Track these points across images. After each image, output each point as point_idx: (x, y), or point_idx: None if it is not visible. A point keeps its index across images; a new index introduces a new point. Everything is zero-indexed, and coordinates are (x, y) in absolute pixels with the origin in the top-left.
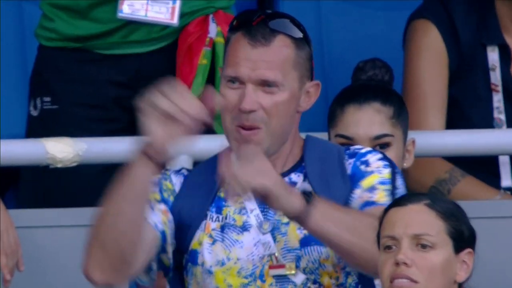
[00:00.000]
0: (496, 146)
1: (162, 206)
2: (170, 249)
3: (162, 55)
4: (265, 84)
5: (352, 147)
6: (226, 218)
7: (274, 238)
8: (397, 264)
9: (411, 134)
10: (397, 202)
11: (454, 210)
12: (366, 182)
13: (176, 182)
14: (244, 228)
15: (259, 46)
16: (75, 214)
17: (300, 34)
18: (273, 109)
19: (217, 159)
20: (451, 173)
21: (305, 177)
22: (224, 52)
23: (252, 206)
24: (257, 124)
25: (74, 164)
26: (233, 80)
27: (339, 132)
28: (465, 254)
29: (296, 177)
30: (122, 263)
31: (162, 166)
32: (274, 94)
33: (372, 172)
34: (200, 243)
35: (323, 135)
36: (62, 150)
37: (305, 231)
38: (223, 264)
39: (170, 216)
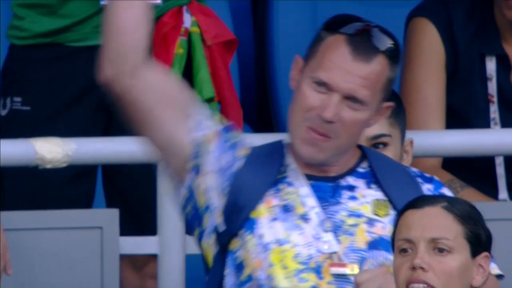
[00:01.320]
0: (494, 146)
1: (217, 130)
2: (209, 177)
3: None
4: (352, 99)
5: (415, 169)
6: (287, 200)
7: (337, 237)
8: (413, 268)
9: (409, 134)
10: (413, 204)
11: (471, 212)
12: None
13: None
14: (304, 218)
15: (360, 61)
16: (64, 217)
17: (397, 55)
18: (351, 125)
19: (277, 146)
20: (451, 184)
21: (369, 184)
22: (313, 48)
23: (312, 203)
24: (329, 134)
25: (64, 165)
26: (321, 84)
27: None
28: (482, 258)
29: (353, 180)
30: (126, 53)
31: None
32: (357, 111)
33: None
34: (260, 215)
35: None
36: (51, 150)
37: (374, 235)
38: (281, 244)
39: (220, 147)
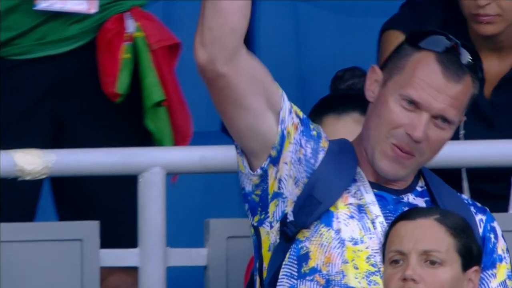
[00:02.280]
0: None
1: (297, 122)
2: (285, 169)
3: (81, 55)
4: (440, 118)
5: (467, 197)
6: (361, 200)
7: None
8: (404, 279)
9: None
10: (405, 215)
11: (464, 226)
12: (499, 274)
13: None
14: (373, 223)
15: (451, 81)
16: (43, 229)
17: (479, 71)
18: (436, 145)
19: (347, 145)
20: None
21: (427, 204)
22: (398, 62)
23: (377, 211)
24: (414, 153)
25: (44, 177)
26: (411, 102)
27: None
28: (472, 272)
29: (413, 199)
30: (226, 35)
31: None
32: (443, 130)
33: (502, 259)
34: (339, 210)
35: None
36: (31, 162)
37: None
38: (356, 243)
39: (299, 139)
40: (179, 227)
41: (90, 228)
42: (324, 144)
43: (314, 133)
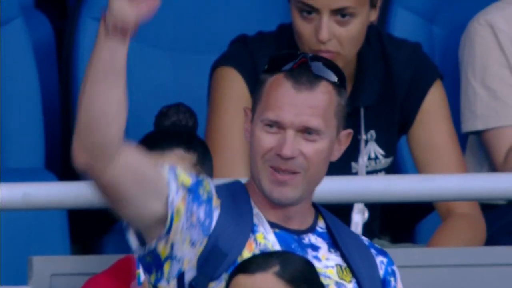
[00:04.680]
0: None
1: (184, 194)
2: (177, 237)
3: None
4: (306, 131)
5: (365, 238)
6: (262, 244)
7: None
8: None
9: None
10: (245, 267)
11: (305, 274)
12: None
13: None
14: None
15: (304, 91)
16: None
17: (341, 80)
18: (314, 157)
19: (239, 188)
20: None
21: (329, 247)
22: (257, 94)
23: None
24: (295, 169)
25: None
26: (272, 124)
27: None
28: None
29: (314, 239)
30: (103, 147)
31: (127, 39)
32: (315, 142)
33: None
34: (244, 257)
35: None
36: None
37: None
38: None
39: (189, 208)
40: (3, 264)
41: None
42: (216, 202)
43: (205, 196)
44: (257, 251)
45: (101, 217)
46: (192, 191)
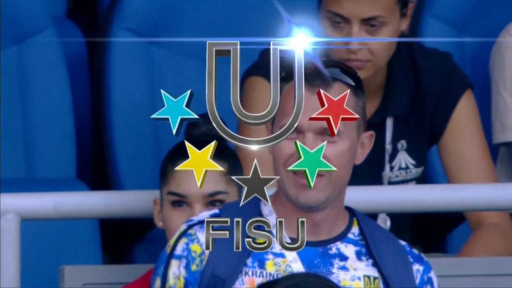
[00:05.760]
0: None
1: None
2: None
3: None
4: (325, 133)
5: (403, 242)
6: (272, 275)
7: None
8: None
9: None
10: None
11: None
12: None
13: (203, 240)
14: None
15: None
16: None
17: (356, 82)
18: (336, 159)
19: (238, 206)
20: None
21: (360, 255)
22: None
23: (299, 269)
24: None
25: None
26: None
27: (171, 190)
28: None
29: (343, 247)
30: None
31: None
32: (336, 143)
33: None
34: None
35: (155, 193)
36: None
37: None
38: None
39: None
40: (35, 274)
41: None
42: (197, 260)
43: (200, 266)
44: (262, 280)
45: (133, 227)
46: (188, 282)
